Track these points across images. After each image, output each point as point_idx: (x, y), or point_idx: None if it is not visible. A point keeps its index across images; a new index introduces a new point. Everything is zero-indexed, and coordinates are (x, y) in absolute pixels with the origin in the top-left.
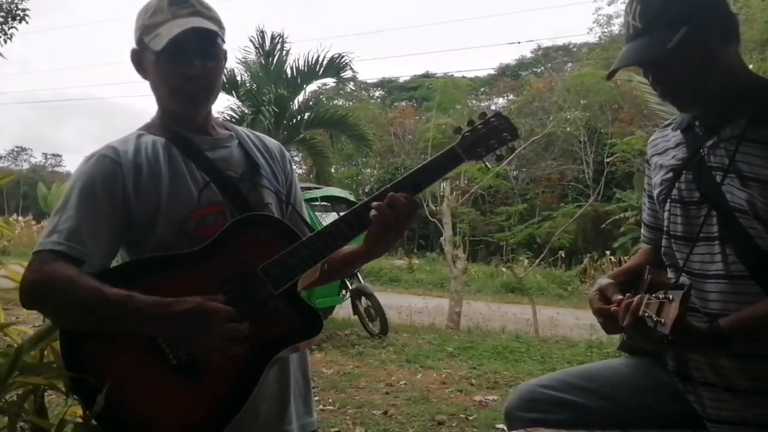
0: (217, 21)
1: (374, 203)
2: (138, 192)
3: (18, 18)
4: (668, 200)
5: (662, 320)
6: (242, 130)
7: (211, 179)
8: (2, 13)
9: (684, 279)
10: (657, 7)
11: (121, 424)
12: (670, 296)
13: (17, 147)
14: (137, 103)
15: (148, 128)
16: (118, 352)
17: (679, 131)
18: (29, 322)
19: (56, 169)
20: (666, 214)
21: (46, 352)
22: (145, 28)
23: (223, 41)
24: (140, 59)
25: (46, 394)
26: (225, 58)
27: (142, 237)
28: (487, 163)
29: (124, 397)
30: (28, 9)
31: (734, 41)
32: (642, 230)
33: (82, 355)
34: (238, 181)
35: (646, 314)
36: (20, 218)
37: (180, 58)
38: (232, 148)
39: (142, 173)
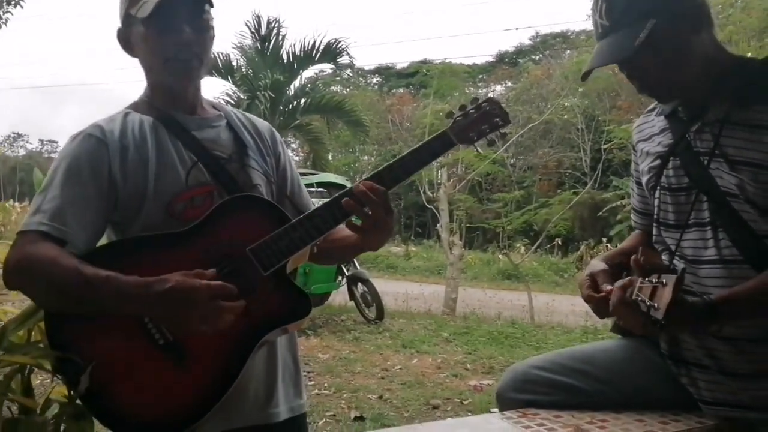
0: None
1: (344, 200)
2: (124, 172)
3: (13, 3)
4: (657, 188)
5: (655, 305)
6: (232, 110)
7: (199, 159)
8: None
9: (678, 263)
10: (622, 4)
11: (107, 404)
12: (664, 280)
13: (14, 133)
14: (134, 89)
15: (135, 107)
16: (103, 332)
17: (663, 117)
18: (21, 300)
19: (53, 155)
20: (656, 202)
21: (33, 332)
22: (131, 1)
23: (211, 5)
24: (127, 37)
25: (33, 374)
26: (213, 32)
27: (129, 218)
28: (478, 149)
29: (110, 377)
30: None
31: (707, 27)
32: (632, 216)
33: (67, 334)
34: (226, 161)
35: (639, 298)
36: (16, 204)
37: (169, 26)
38: (221, 129)
39: (128, 153)
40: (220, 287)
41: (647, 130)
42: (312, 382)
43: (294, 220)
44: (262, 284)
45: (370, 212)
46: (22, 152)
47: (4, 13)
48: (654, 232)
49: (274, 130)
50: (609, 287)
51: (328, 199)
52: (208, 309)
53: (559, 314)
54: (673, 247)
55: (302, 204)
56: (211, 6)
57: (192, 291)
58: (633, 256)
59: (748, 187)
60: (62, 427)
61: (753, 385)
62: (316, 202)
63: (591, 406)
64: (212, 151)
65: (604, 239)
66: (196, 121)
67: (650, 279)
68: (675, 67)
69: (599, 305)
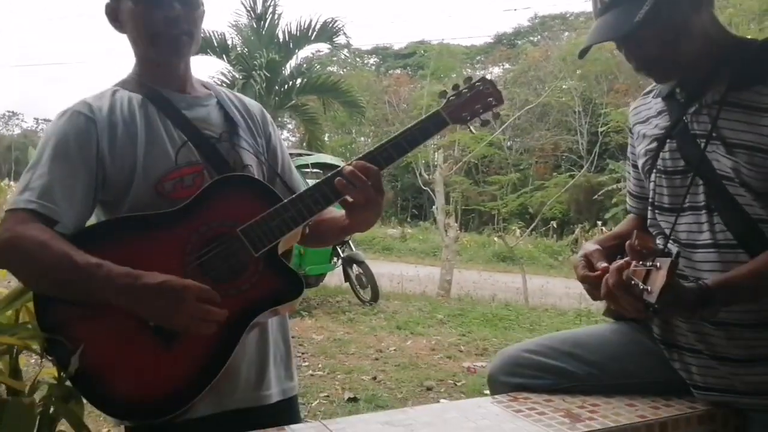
0: None
1: (337, 180)
2: (113, 150)
3: None
4: (653, 171)
5: (649, 288)
6: (222, 90)
7: (189, 139)
8: None
9: (672, 248)
10: None
11: (96, 385)
12: (658, 264)
13: (8, 111)
14: (126, 66)
15: (124, 84)
16: (94, 313)
17: (660, 99)
18: (8, 281)
19: None
20: (652, 185)
21: (21, 312)
22: None
23: None
24: (116, 12)
25: (21, 355)
26: (203, 9)
27: (118, 197)
28: (471, 128)
29: (99, 358)
30: None
31: (707, 5)
32: (627, 200)
33: (57, 315)
34: (216, 141)
35: (633, 281)
36: (12, 183)
37: (158, 2)
38: (211, 108)
39: (117, 131)
40: (207, 291)
41: (644, 113)
42: (306, 363)
43: (285, 200)
44: (253, 265)
45: (361, 192)
46: (17, 131)
47: None
48: (649, 215)
49: (264, 110)
50: (604, 264)
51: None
52: (196, 309)
53: (553, 297)
54: (667, 231)
55: (292, 185)
56: None
57: (183, 288)
58: (628, 241)
59: (744, 170)
60: (51, 409)
61: (744, 371)
62: (311, 183)
63: (582, 389)
64: (202, 130)
65: (600, 222)
66: (186, 99)
67: (644, 262)
68: (674, 45)
69: (594, 285)
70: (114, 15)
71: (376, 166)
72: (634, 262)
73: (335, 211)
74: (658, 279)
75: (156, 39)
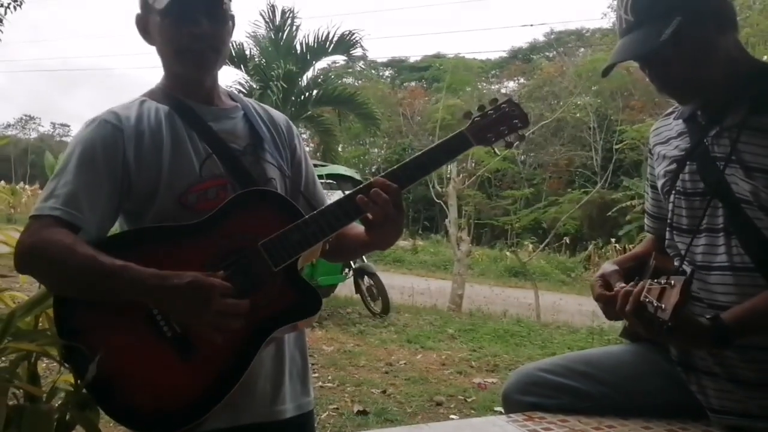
0: None
1: (358, 197)
2: (139, 160)
3: None
4: (673, 192)
5: (663, 306)
6: (249, 101)
7: (214, 151)
8: None
9: (687, 269)
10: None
11: (112, 394)
12: (672, 282)
13: (25, 115)
14: (147, 75)
15: (152, 94)
16: (111, 322)
17: (681, 120)
18: (27, 290)
19: (64, 138)
20: (670, 206)
21: (41, 319)
22: None
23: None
24: (145, 24)
25: (40, 361)
26: (233, 23)
27: (142, 207)
28: (496, 150)
29: (116, 367)
30: None
31: (731, 29)
32: (645, 220)
33: (76, 322)
34: (241, 154)
35: (647, 299)
36: (27, 186)
37: (185, 17)
38: (237, 120)
39: (143, 141)
40: (230, 288)
41: (665, 134)
42: (316, 375)
43: (307, 216)
44: (273, 280)
45: (381, 209)
46: (33, 135)
47: None
48: (667, 236)
49: (290, 122)
50: (622, 284)
51: (338, 193)
52: (222, 305)
53: (565, 313)
54: (683, 252)
55: (316, 199)
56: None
57: (210, 287)
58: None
59: (762, 194)
60: (67, 416)
61: (761, 394)
62: (326, 194)
63: (597, 410)
64: (228, 143)
65: (613, 239)
66: (213, 111)
67: (659, 280)
68: (697, 66)
69: (609, 305)
70: (144, 26)
71: (397, 184)
72: (649, 281)
73: (358, 227)
74: (672, 297)
75: (181, 54)
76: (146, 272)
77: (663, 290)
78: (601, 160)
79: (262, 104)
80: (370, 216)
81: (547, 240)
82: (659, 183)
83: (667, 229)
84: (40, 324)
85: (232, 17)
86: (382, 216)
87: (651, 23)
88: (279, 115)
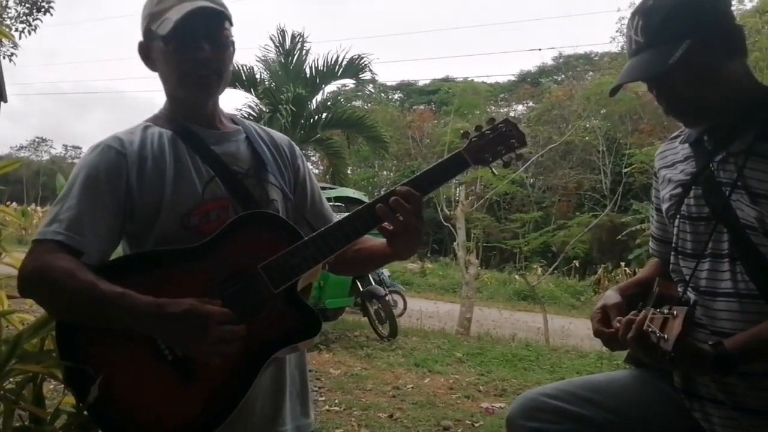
0: (224, 6)
1: (378, 207)
2: (141, 184)
3: (43, 10)
4: (677, 216)
5: (665, 336)
6: (251, 124)
7: (216, 174)
8: (27, 5)
9: (690, 296)
10: (659, 22)
11: (113, 416)
12: (675, 312)
13: (38, 137)
14: (157, 98)
15: (155, 120)
16: (113, 345)
17: (687, 144)
18: (36, 311)
19: (76, 160)
20: (675, 230)
21: (47, 341)
22: (152, 16)
23: (231, 24)
24: (148, 51)
25: (46, 383)
26: (233, 47)
27: (144, 229)
28: (493, 170)
29: (118, 389)
30: (53, 1)
31: (740, 54)
32: (651, 243)
33: (78, 345)
34: (243, 176)
35: (650, 329)
36: (38, 208)
37: (188, 42)
38: (239, 143)
39: (146, 166)
40: (228, 314)
41: (670, 157)
42: (323, 398)
43: (306, 238)
44: (272, 302)
45: (401, 218)
46: (45, 157)
47: (33, 20)
48: (672, 260)
49: (293, 143)
50: (620, 320)
51: (345, 214)
52: (219, 332)
53: (574, 338)
54: (687, 277)
55: (323, 215)
56: (231, 24)
57: (206, 315)
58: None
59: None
60: None
61: (767, 422)
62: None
63: None
64: (230, 165)
65: (623, 263)
66: (215, 135)
67: (661, 310)
68: (705, 89)
69: (609, 340)
70: (146, 53)
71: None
72: (652, 310)
73: (374, 239)
74: (674, 327)
75: (185, 79)
76: (143, 301)
77: (665, 320)
78: (611, 184)
79: (264, 127)
80: (389, 227)
81: (556, 263)
82: (664, 207)
83: (672, 253)
84: (46, 345)
85: (233, 42)
86: (403, 226)
87: (661, 45)
88: (281, 137)
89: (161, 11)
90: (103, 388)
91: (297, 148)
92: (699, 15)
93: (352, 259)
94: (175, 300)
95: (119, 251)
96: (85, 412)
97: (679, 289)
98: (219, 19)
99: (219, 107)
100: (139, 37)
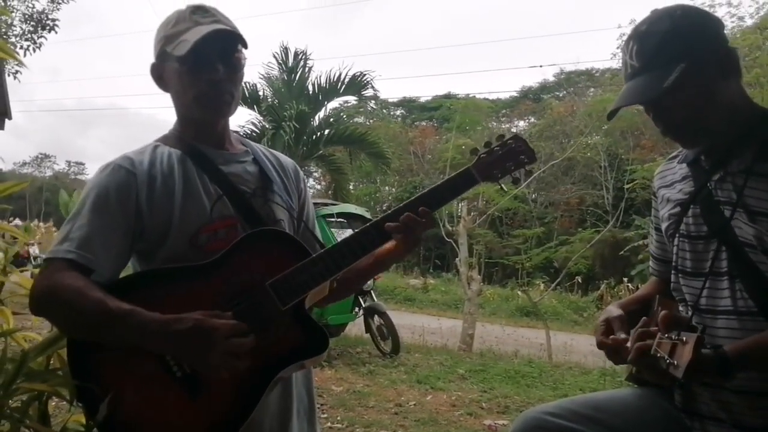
0: (237, 29)
1: (387, 225)
2: (151, 203)
3: (47, 28)
4: (677, 235)
5: (675, 362)
6: (258, 146)
7: (224, 193)
8: (32, 23)
9: (694, 318)
10: (653, 46)
11: None
12: (684, 338)
13: (41, 154)
14: (160, 114)
15: (165, 140)
16: (124, 363)
17: (685, 164)
18: (39, 329)
19: (79, 176)
20: (675, 249)
21: (52, 359)
22: (168, 38)
23: (245, 46)
24: (161, 72)
25: (50, 401)
26: (244, 70)
27: (154, 248)
28: (503, 186)
29: (127, 407)
30: (57, 19)
31: (734, 75)
32: (650, 262)
33: (89, 363)
34: (251, 196)
35: (659, 354)
36: (41, 224)
37: (204, 64)
38: (247, 164)
39: (156, 185)
40: (235, 327)
41: (669, 177)
42: (325, 415)
43: (314, 255)
44: (280, 319)
45: (414, 233)
46: (48, 172)
47: (38, 38)
48: (672, 279)
49: (297, 167)
50: (623, 335)
51: (348, 231)
52: (227, 348)
53: (577, 354)
54: (688, 296)
55: (311, 240)
56: (245, 47)
57: (212, 331)
58: (660, 314)
59: (766, 239)
60: None
61: None
62: (336, 232)
63: None
64: (238, 185)
65: (625, 279)
66: (224, 155)
67: (669, 335)
68: (700, 112)
69: (612, 352)
70: (158, 74)
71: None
72: (659, 335)
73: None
74: (685, 354)
75: (200, 100)
76: (150, 318)
77: (674, 346)
78: (613, 199)
79: (270, 150)
80: (399, 240)
81: (558, 279)
82: (663, 226)
83: (672, 271)
84: (52, 364)
85: (244, 65)
86: (413, 241)
87: (655, 69)
88: (287, 160)
89: (177, 33)
90: (113, 405)
91: (301, 173)
92: (692, 39)
93: (345, 278)
94: (181, 316)
95: (129, 269)
96: (95, 430)
97: (681, 308)
98: (234, 42)
99: (228, 128)
100: (143, 56)
